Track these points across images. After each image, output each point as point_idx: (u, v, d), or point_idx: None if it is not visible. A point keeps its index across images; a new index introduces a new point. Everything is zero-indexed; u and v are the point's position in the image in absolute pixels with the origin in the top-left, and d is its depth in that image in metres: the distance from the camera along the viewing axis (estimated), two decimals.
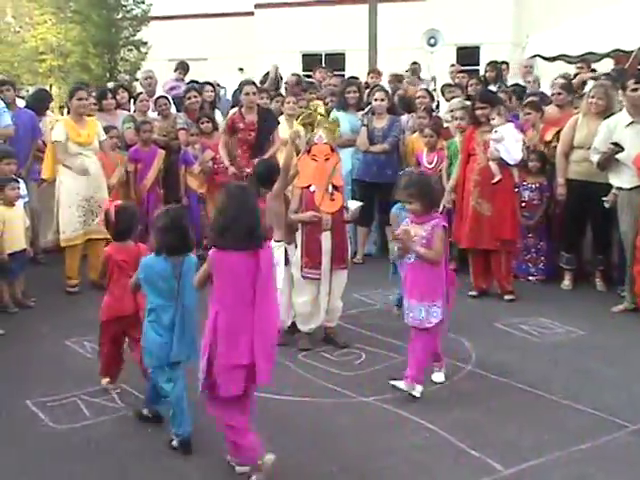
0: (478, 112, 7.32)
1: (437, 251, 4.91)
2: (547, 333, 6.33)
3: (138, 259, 4.55)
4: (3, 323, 6.37)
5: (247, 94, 8.42)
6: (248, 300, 3.79)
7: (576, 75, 10.27)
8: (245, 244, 3.78)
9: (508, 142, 7.09)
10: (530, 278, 7.87)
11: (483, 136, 7.24)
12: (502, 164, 7.13)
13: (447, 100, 9.62)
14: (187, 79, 11.80)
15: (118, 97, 9.55)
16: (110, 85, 12.76)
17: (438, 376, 5.27)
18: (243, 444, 3.94)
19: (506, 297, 7.24)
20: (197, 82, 10.62)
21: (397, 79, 11.84)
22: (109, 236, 5.18)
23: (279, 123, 8.62)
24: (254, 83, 8.83)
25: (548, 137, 7.94)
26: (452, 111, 8.56)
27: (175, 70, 12.18)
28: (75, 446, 4.36)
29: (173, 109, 9.63)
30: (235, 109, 8.72)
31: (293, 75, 11.19)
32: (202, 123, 8.99)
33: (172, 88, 10.93)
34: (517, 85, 10.13)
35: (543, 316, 6.68)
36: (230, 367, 3.80)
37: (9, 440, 4.44)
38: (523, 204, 7.75)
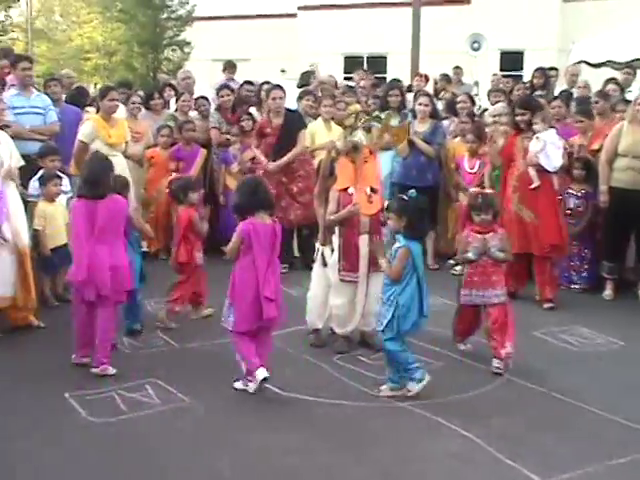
0: (518, 118, 7.27)
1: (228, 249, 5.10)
2: (587, 343, 6.24)
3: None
4: (44, 317, 6.44)
5: (274, 99, 8.39)
6: (95, 237, 5.23)
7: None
8: (89, 194, 5.27)
9: (549, 149, 7.04)
10: (572, 286, 7.77)
11: (523, 142, 7.20)
12: (541, 171, 7.07)
13: (492, 105, 9.55)
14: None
15: (165, 95, 9.62)
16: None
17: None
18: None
19: (545, 305, 7.14)
20: (251, 82, 10.61)
21: (447, 80, 11.81)
22: None
23: (305, 126, 8.57)
24: (281, 87, 8.79)
25: (595, 146, 7.83)
26: (495, 116, 8.50)
27: (223, 70, 12.26)
28: (111, 440, 4.39)
29: (213, 108, 9.67)
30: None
31: (330, 77, 11.16)
32: (243, 121, 9.01)
33: None
34: (565, 92, 10.02)
35: (583, 325, 6.59)
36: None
37: (48, 432, 4.49)
38: (568, 212, 7.66)
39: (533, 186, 7.08)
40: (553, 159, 7.08)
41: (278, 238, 5.08)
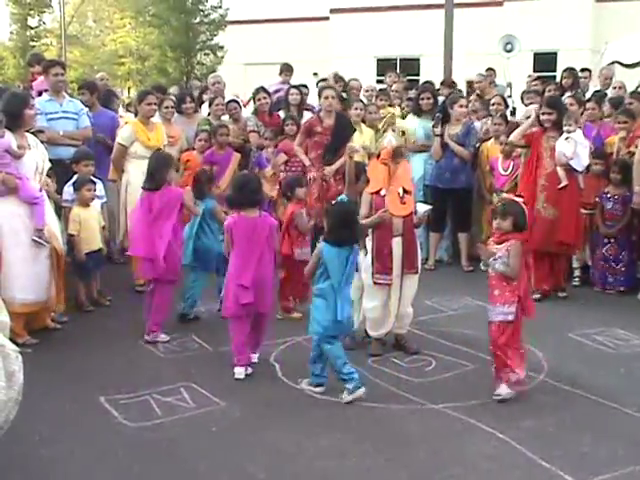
0: (544, 117, 7.28)
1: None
2: (622, 345, 6.18)
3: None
4: (79, 321, 6.53)
5: (326, 98, 8.42)
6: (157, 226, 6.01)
7: None
8: (148, 186, 6.11)
9: (578, 148, 7.13)
10: (608, 288, 7.72)
11: (550, 142, 7.26)
12: (569, 170, 7.17)
13: (526, 106, 9.50)
14: (255, 82, 11.84)
15: (205, 97, 9.68)
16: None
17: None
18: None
19: (560, 294, 7.43)
20: (305, 86, 10.62)
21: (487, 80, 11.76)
22: None
23: (355, 130, 8.58)
24: (333, 88, 8.80)
25: (632, 148, 7.73)
26: (528, 117, 8.45)
27: (280, 73, 12.24)
28: (145, 444, 4.42)
29: (244, 113, 9.70)
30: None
31: (355, 80, 11.13)
32: (287, 125, 9.02)
33: (277, 91, 10.97)
34: (599, 92, 9.93)
35: (619, 327, 6.52)
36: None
37: (82, 436, 4.53)
38: (606, 215, 7.69)
39: (561, 185, 7.17)
40: (582, 158, 7.21)
41: (261, 231, 5.40)
